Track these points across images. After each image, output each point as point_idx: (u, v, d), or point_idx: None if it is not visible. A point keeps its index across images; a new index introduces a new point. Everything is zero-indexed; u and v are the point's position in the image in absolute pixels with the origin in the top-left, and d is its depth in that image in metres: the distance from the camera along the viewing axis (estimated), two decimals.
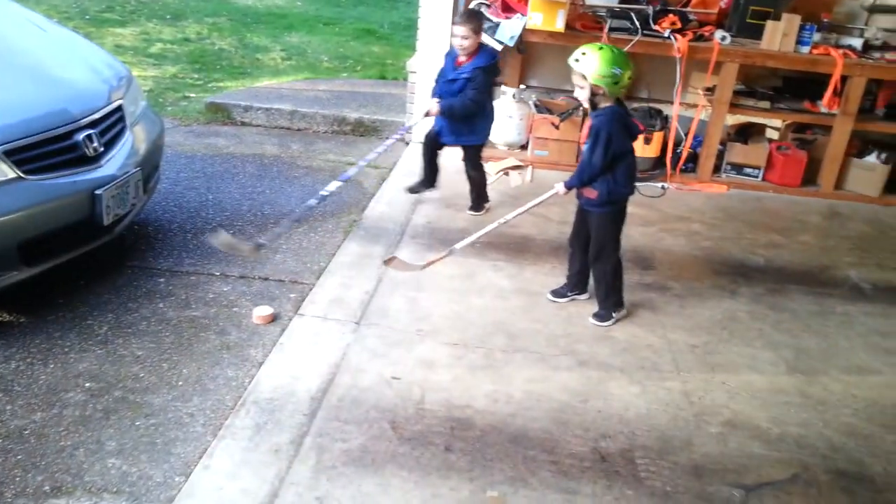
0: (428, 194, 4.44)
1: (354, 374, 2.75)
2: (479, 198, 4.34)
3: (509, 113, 5.27)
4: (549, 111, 5.27)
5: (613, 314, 3.25)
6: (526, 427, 2.54)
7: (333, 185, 3.65)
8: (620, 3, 5.11)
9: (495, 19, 4.89)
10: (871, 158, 5.18)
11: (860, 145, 5.27)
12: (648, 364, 2.98)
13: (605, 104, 3.02)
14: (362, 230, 4.02)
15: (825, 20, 5.11)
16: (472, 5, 5.03)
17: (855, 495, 2.37)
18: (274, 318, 3.15)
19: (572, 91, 5.39)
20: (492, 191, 4.52)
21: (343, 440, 2.40)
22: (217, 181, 4.63)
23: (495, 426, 2.52)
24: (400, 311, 3.22)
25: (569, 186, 3.13)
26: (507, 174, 5.04)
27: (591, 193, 3.10)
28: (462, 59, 3.95)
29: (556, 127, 5.11)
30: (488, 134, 4.23)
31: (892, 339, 3.35)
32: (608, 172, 3.03)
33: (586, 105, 3.09)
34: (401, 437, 2.42)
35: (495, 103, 5.21)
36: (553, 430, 2.53)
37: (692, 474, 2.38)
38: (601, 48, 2.94)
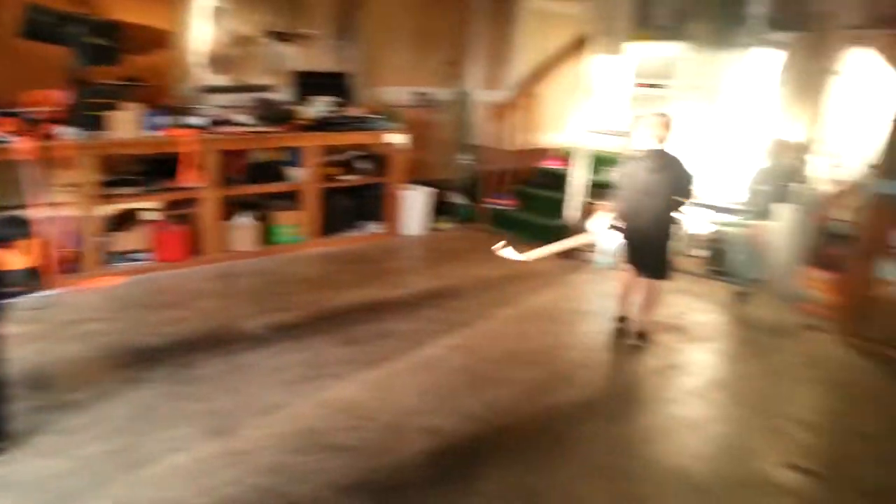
0: None
1: None
2: None
3: None
4: None
5: None
6: None
7: None
8: None
9: None
10: (243, 219, 5.82)
11: (231, 209, 5.86)
12: (64, 494, 2.73)
13: None
14: None
15: (168, 104, 5.51)
16: None
17: None
18: None
19: None
20: None
21: None
22: None
23: None
24: None
25: None
26: None
27: None
28: None
29: None
30: None
31: (288, 371, 3.82)
32: None
33: None
34: None
35: None
36: None
37: None
38: None
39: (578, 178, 5.99)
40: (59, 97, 5.06)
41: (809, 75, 5.42)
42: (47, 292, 4.70)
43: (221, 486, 2.83)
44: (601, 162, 6.41)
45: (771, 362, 4.15)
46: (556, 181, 7.10)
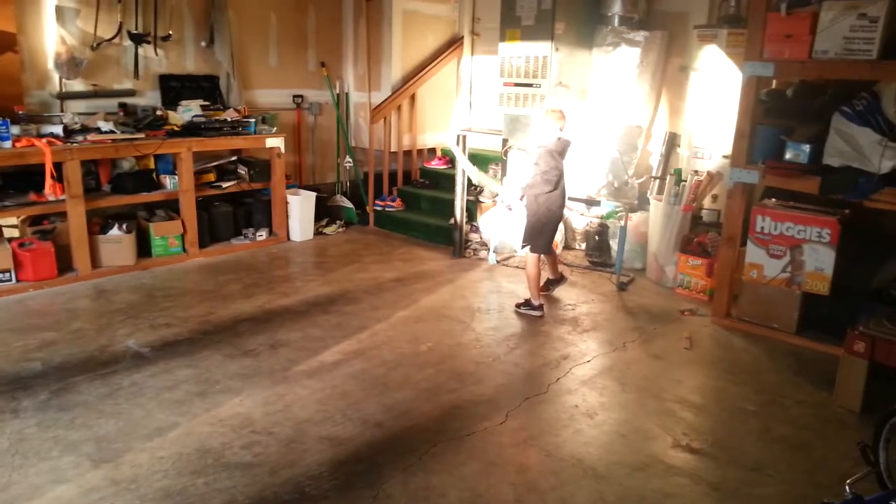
0: None
1: None
2: None
3: None
4: None
5: None
6: None
7: None
8: None
9: None
10: (115, 231, 5.50)
11: (102, 221, 5.52)
12: None
13: None
14: None
15: (20, 112, 5.12)
16: None
17: None
18: None
19: None
20: None
21: None
22: None
23: None
24: None
25: None
26: None
27: None
28: None
29: None
30: None
31: (177, 390, 3.65)
32: None
33: None
34: None
35: None
36: None
37: None
38: None
39: (461, 177, 6.09)
40: None
41: (665, 71, 5.77)
42: None
43: None
44: (482, 160, 6.55)
45: (655, 347, 4.39)
46: (441, 181, 7.19)
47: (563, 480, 2.99)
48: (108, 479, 2.89)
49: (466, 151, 6.07)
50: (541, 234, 4.77)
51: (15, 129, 4.90)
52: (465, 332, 4.57)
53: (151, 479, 2.89)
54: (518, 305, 4.94)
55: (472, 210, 6.42)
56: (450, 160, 7.36)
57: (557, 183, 4.70)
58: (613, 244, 5.94)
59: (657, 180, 5.63)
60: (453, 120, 7.50)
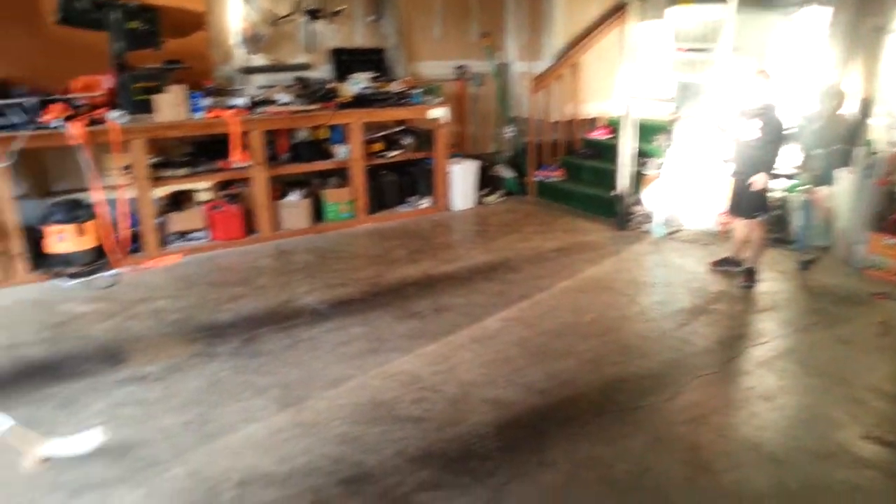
0: None
1: None
2: None
3: None
4: None
5: None
6: None
7: None
8: None
9: None
10: (293, 197, 5.87)
11: (281, 188, 5.91)
12: (147, 460, 2.82)
13: None
14: None
15: (209, 86, 5.56)
16: None
17: (363, 494, 2.66)
18: None
19: None
20: None
21: None
22: None
23: None
24: None
25: None
26: None
27: None
28: None
29: None
30: None
31: (352, 345, 3.86)
32: None
33: None
34: None
35: None
36: None
37: None
38: None
39: (626, 148, 5.90)
40: (103, 82, 5.14)
41: (859, 33, 5.23)
42: (112, 272, 4.81)
43: (295, 455, 2.88)
44: (647, 130, 6.30)
45: (841, 331, 4.06)
46: (604, 151, 7.01)
47: (738, 463, 2.86)
48: (292, 421, 3.12)
49: (632, 121, 5.86)
50: (760, 199, 4.63)
51: (205, 102, 5.33)
52: (629, 305, 4.46)
53: (331, 425, 3.09)
54: (715, 264, 5.03)
55: (636, 181, 6.22)
56: (613, 130, 7.15)
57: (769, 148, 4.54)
58: (796, 219, 5.52)
59: (848, 151, 5.15)
60: (617, 88, 7.27)
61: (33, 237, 4.77)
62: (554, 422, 3.15)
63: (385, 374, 3.55)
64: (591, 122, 7.55)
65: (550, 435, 3.05)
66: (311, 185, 6.14)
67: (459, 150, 7.21)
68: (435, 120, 6.41)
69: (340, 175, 6.21)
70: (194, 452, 2.88)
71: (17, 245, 4.66)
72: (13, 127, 4.53)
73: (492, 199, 6.98)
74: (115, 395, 3.31)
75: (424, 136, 6.55)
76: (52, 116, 4.63)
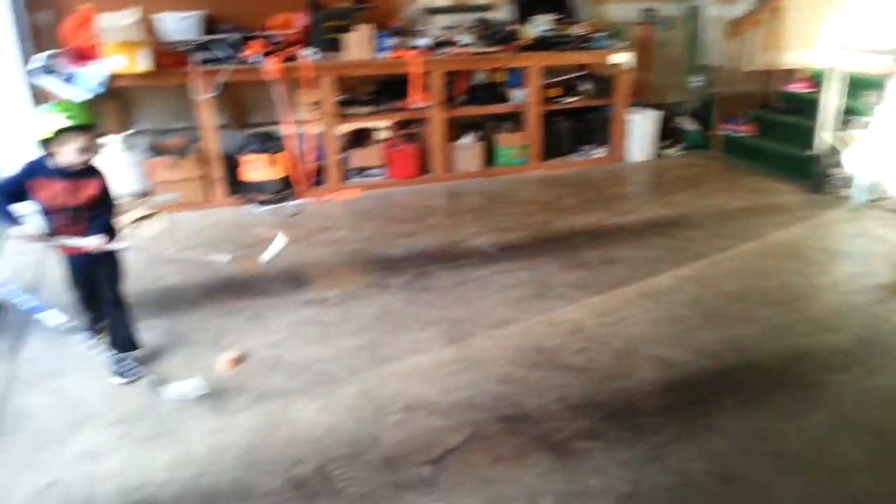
0: None
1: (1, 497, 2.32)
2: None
3: (121, 162, 4.90)
4: (165, 152, 5.02)
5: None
6: (215, 483, 2.40)
7: None
8: (206, 34, 5.07)
9: (69, 69, 4.48)
10: (467, 139, 5.92)
11: (456, 130, 5.97)
12: (324, 377, 3.03)
13: None
14: None
15: (394, 26, 5.67)
16: (36, 58, 4.54)
17: (522, 434, 2.69)
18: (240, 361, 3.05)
19: (182, 129, 5.29)
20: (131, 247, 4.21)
21: None
22: None
23: (182, 495, 2.34)
24: (44, 407, 2.81)
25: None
26: (137, 226, 4.69)
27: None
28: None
29: (176, 167, 4.90)
30: None
31: (518, 289, 3.87)
32: None
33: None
34: None
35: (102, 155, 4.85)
36: (244, 475, 2.43)
37: (385, 467, 2.48)
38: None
39: (830, 103, 5.34)
40: (298, 20, 5.39)
41: None
42: (297, 201, 5.14)
43: (459, 388, 2.96)
44: (857, 85, 5.65)
45: None
46: (802, 106, 6.40)
47: None
48: (457, 356, 3.21)
49: (838, 73, 5.27)
50: None
51: (390, 42, 5.45)
52: (820, 274, 4.10)
53: (494, 364, 3.14)
54: None
55: (838, 141, 5.63)
56: (815, 83, 6.49)
57: None
58: None
59: None
60: (824, 37, 6.56)
61: (231, 165, 5.19)
62: (725, 388, 2.99)
63: (550, 320, 3.54)
64: (791, 74, 6.90)
65: (720, 401, 2.90)
66: (485, 129, 6.14)
67: (640, 99, 6.88)
68: (617, 66, 6.15)
69: (515, 119, 6.16)
70: (366, 374, 3.05)
71: (218, 171, 5.09)
72: (218, 61, 4.90)
73: (671, 151, 6.64)
74: (297, 314, 3.57)
75: (604, 83, 6.31)
76: (252, 52, 4.95)
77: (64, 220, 2.77)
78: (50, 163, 2.69)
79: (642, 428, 2.72)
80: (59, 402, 2.84)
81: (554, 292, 3.83)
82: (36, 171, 2.71)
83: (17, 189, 2.71)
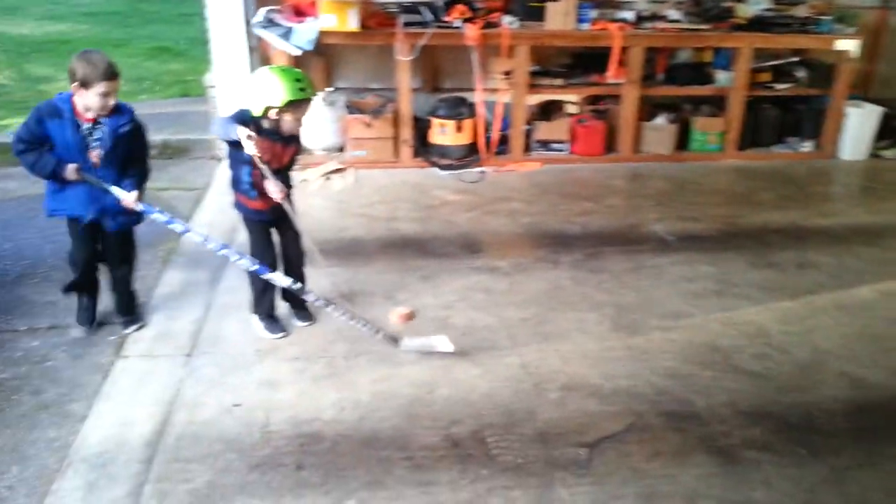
0: None
1: (191, 408, 2.61)
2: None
3: (321, 117, 5.22)
4: (361, 111, 5.27)
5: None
6: (376, 429, 2.53)
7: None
8: None
9: (287, 24, 4.80)
10: (660, 120, 5.66)
11: (649, 109, 5.73)
12: (487, 344, 3.08)
13: None
14: (182, 257, 3.81)
15: None
16: (261, 11, 4.91)
17: (685, 432, 2.58)
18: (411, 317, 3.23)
19: (379, 89, 5.52)
20: (317, 196, 4.51)
21: (187, 480, 2.27)
22: (12, 228, 4.20)
23: (345, 434, 2.49)
24: (234, 334, 3.10)
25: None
26: (328, 178, 4.98)
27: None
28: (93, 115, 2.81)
29: (369, 125, 5.13)
30: None
31: (696, 282, 3.68)
32: None
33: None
34: (249, 466, 2.33)
35: None
36: (403, 425, 2.55)
37: (539, 441, 2.48)
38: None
39: None
40: None
41: None
42: (479, 169, 5.21)
43: (621, 376, 2.88)
44: None
45: None
46: None
47: None
48: (623, 343, 3.12)
49: None
50: None
51: (593, 13, 5.30)
52: None
53: (661, 356, 3.02)
54: None
55: None
56: None
57: None
58: None
59: None
60: None
61: (420, 127, 5.34)
62: None
63: (728, 320, 3.33)
64: None
65: None
66: (681, 111, 5.83)
67: (861, 92, 6.21)
68: (842, 53, 5.56)
69: (714, 103, 5.79)
70: (528, 347, 3.06)
71: (407, 132, 5.26)
72: (422, 24, 5.03)
73: (891, 153, 5.93)
74: (468, 279, 3.64)
75: (821, 71, 5.74)
76: (455, 17, 5.03)
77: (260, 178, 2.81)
78: (265, 123, 2.76)
79: (820, 447, 2.52)
80: (248, 333, 3.11)
81: (736, 291, 3.61)
82: (248, 122, 2.75)
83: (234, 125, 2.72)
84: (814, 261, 3.95)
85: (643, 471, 2.38)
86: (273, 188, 2.78)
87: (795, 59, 5.88)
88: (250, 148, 2.65)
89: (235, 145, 2.73)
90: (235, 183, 2.93)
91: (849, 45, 5.54)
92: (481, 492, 2.25)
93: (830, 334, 3.24)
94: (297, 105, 2.75)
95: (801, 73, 5.83)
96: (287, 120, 2.78)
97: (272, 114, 2.75)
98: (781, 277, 3.76)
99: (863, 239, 4.28)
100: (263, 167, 2.73)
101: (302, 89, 2.72)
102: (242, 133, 2.65)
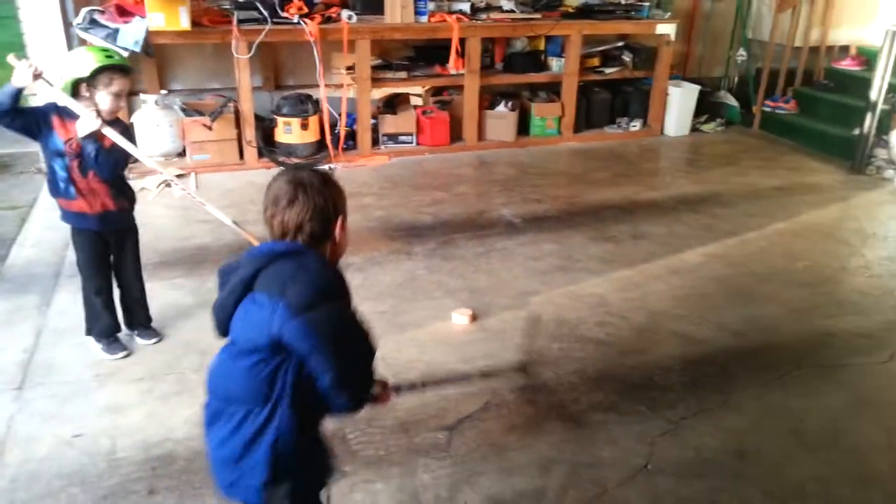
0: None
1: (25, 445, 2.42)
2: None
3: (156, 122, 4.97)
4: (200, 113, 5.07)
5: None
6: None
7: None
8: None
9: (113, 25, 4.53)
10: (501, 108, 5.86)
11: (490, 98, 5.92)
12: None
13: None
14: (7, 282, 3.52)
15: None
16: (82, 12, 4.60)
17: (537, 405, 2.71)
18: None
19: (218, 89, 5.33)
20: (157, 204, 4.29)
21: None
22: None
23: (200, 451, 2.39)
24: (70, 360, 2.90)
25: None
26: (168, 186, 4.76)
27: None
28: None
29: (209, 128, 4.95)
30: None
31: (542, 261, 3.86)
32: None
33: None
34: (95, 498, 2.20)
35: (137, 114, 4.91)
36: None
37: (400, 431, 2.52)
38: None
39: (880, 83, 5.16)
40: None
41: None
42: (328, 166, 5.17)
43: (477, 356, 2.98)
44: None
45: None
46: (849, 84, 6.21)
47: None
48: (478, 325, 3.23)
49: (893, 51, 5.08)
50: None
51: (431, 6, 5.38)
52: (851, 256, 4.01)
53: (513, 334, 3.14)
54: None
55: (883, 121, 5.45)
56: (866, 61, 6.28)
57: None
58: None
59: None
60: (880, 13, 6.33)
61: (263, 127, 5.22)
62: (746, 366, 2.97)
63: (572, 293, 3.53)
64: (840, 51, 6.68)
65: (740, 379, 2.89)
66: (520, 98, 6.08)
67: (680, 72, 6.74)
68: (661, 36, 6.00)
69: (551, 89, 6.08)
70: (385, 340, 3.05)
71: (251, 133, 5.12)
72: (258, 20, 4.89)
73: (709, 127, 6.49)
74: None
75: (645, 55, 6.18)
76: (293, 12, 4.93)
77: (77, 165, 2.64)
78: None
79: (658, 402, 2.73)
80: (86, 357, 2.92)
81: (579, 265, 3.82)
82: (60, 109, 2.59)
83: (35, 119, 2.58)
84: (646, 231, 4.26)
85: (501, 445, 2.48)
86: (83, 120, 2.54)
87: (620, 43, 6.28)
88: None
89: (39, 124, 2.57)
90: (52, 184, 2.70)
91: (667, 29, 5.99)
92: (345, 489, 2.25)
93: (663, 297, 3.51)
94: (109, 75, 2.58)
95: (626, 57, 6.23)
96: (102, 96, 2.60)
97: (84, 91, 2.59)
98: (618, 249, 4.02)
99: (689, 207, 4.66)
100: (72, 103, 2.54)
101: (108, 56, 2.60)
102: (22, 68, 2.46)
